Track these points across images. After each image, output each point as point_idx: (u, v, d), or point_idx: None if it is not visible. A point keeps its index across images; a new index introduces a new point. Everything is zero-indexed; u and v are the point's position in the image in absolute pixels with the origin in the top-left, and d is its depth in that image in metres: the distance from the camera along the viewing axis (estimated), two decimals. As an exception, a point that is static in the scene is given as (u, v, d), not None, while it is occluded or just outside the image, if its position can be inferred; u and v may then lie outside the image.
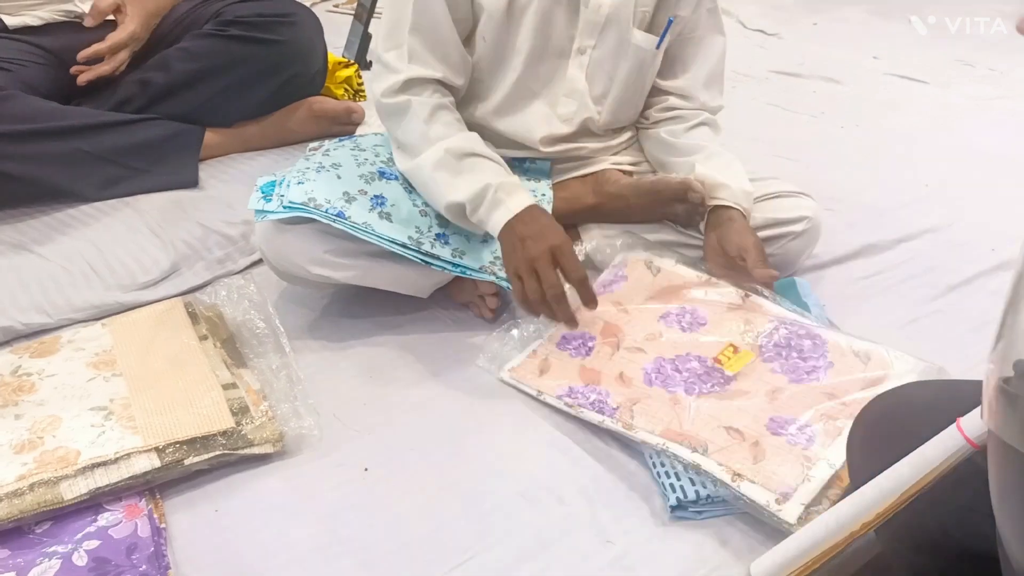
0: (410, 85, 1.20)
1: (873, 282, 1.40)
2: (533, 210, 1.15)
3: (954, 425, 0.68)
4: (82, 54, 1.52)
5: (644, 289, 1.24)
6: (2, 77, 1.46)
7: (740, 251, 1.20)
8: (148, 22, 1.58)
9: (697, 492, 0.97)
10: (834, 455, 0.96)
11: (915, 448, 0.69)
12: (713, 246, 1.24)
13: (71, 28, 1.56)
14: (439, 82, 1.22)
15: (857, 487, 0.73)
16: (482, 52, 1.25)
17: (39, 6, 1.58)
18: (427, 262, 1.19)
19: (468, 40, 1.24)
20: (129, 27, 1.53)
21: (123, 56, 1.55)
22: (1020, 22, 0.61)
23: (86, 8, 1.58)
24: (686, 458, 0.98)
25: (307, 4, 2.02)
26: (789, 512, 0.91)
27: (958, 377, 1.01)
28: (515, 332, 1.21)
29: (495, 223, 1.14)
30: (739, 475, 0.95)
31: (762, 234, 1.28)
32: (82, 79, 1.53)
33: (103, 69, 1.53)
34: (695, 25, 1.32)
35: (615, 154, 1.39)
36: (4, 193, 1.44)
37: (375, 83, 1.23)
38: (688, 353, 1.13)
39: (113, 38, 1.52)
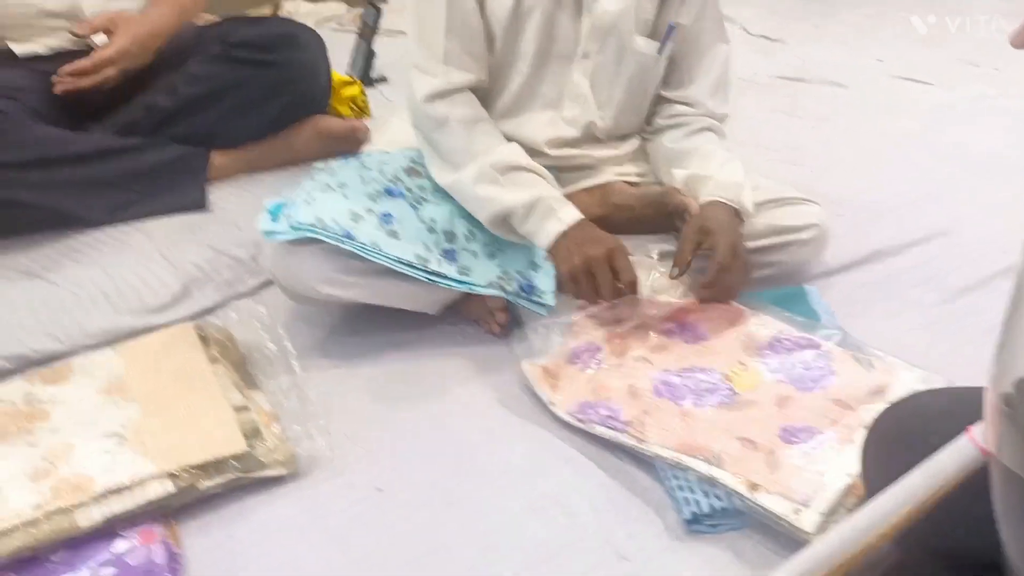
0: (448, 93, 1.21)
1: (883, 287, 1.39)
2: (584, 223, 1.19)
3: (966, 434, 0.67)
4: (65, 68, 1.52)
5: (650, 302, 1.23)
6: (10, 106, 1.47)
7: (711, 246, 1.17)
8: (143, 43, 1.57)
9: (712, 505, 0.96)
10: (849, 463, 0.96)
11: (928, 457, 0.69)
12: (687, 235, 1.20)
13: (79, 56, 1.57)
14: (473, 87, 1.24)
15: (872, 497, 0.73)
16: (489, 56, 1.26)
17: (48, 34, 1.59)
18: (433, 280, 1.20)
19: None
20: (116, 43, 1.54)
21: (110, 72, 1.54)
22: (1012, 36, 0.59)
23: (96, 39, 1.59)
24: (701, 470, 0.98)
25: (310, 23, 2.03)
26: (807, 521, 0.91)
27: (970, 382, 1.00)
28: (557, 329, 1.21)
29: (547, 233, 1.18)
30: (755, 486, 0.95)
31: (768, 241, 1.28)
32: (58, 88, 1.53)
33: (83, 83, 1.53)
34: (699, 34, 1.32)
35: (620, 164, 1.39)
36: (14, 220, 1.45)
37: (414, 87, 1.24)
38: (693, 366, 1.13)
39: (98, 55, 1.53)
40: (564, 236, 1.18)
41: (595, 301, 1.20)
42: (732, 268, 1.18)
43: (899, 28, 2.63)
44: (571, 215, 1.19)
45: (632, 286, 1.20)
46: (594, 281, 1.17)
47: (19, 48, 1.56)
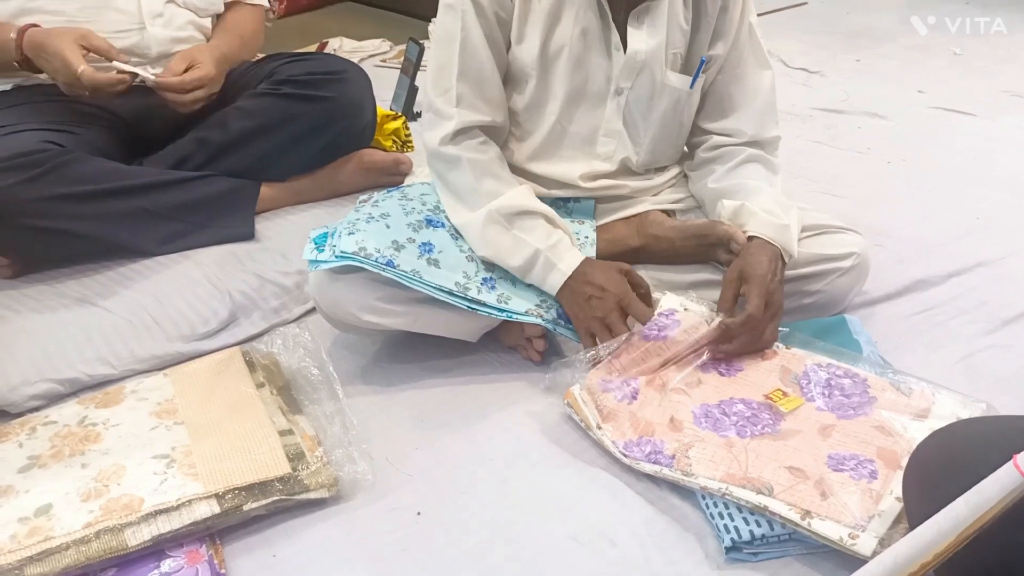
0: (460, 135, 1.24)
1: (925, 318, 1.38)
2: (585, 266, 1.21)
3: (1011, 462, 0.67)
4: (159, 82, 1.54)
5: (689, 339, 1.23)
6: (68, 139, 1.52)
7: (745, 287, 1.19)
8: (220, 68, 1.62)
9: (752, 532, 0.96)
10: (899, 488, 0.95)
11: (972, 486, 0.68)
12: (728, 280, 1.22)
13: (137, 92, 1.62)
14: (486, 127, 1.26)
15: (914, 526, 0.72)
16: (520, 99, 1.29)
17: (108, 70, 1.65)
18: (473, 308, 1.22)
19: (505, 82, 1.28)
20: (205, 68, 1.58)
21: (200, 95, 1.58)
22: None
23: (158, 71, 1.64)
24: (752, 500, 0.97)
25: (355, 60, 2.08)
26: (863, 545, 0.91)
27: (1013, 412, 0.99)
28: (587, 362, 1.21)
29: (551, 285, 1.22)
30: (808, 513, 0.95)
31: (809, 270, 1.28)
32: (153, 81, 1.54)
33: (181, 99, 1.55)
34: (737, 64, 1.32)
35: (656, 194, 1.40)
36: (70, 250, 1.50)
37: (427, 131, 1.27)
38: (732, 397, 1.13)
39: (191, 75, 1.56)
40: (567, 287, 1.21)
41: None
42: (762, 321, 1.17)
43: (942, 61, 2.62)
44: (570, 263, 1.22)
45: (645, 321, 1.23)
46: (609, 332, 1.21)
47: (79, 84, 1.61)
